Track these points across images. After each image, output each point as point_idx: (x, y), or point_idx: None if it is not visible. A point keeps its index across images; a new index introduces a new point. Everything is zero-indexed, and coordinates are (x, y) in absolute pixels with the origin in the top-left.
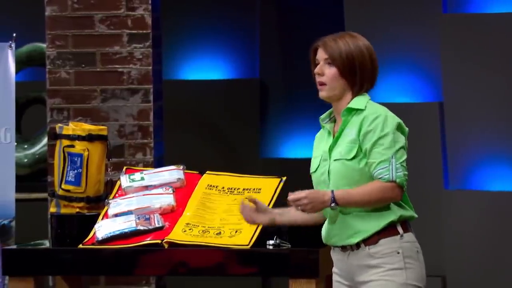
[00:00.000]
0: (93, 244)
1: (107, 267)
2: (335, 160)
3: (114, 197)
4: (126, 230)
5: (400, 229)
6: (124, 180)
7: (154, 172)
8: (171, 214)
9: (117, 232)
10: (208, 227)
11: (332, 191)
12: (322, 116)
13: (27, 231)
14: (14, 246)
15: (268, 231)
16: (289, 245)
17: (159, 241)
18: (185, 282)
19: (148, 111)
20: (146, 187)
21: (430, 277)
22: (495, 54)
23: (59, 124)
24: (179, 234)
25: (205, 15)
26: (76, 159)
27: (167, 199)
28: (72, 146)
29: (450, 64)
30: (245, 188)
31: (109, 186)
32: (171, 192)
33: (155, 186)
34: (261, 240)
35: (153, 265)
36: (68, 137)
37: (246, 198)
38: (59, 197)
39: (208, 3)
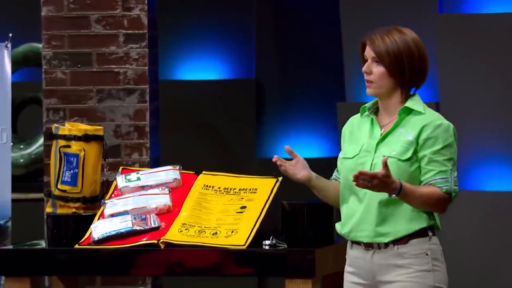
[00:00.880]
0: (89, 244)
1: (103, 267)
2: (384, 156)
3: (110, 197)
4: (122, 230)
5: (429, 232)
6: (120, 180)
7: (150, 172)
8: (167, 214)
9: (113, 232)
10: (204, 227)
11: (401, 182)
12: (368, 105)
13: (23, 231)
14: (10, 246)
15: (264, 231)
16: (285, 245)
17: (155, 241)
18: (181, 282)
19: (144, 111)
20: (142, 187)
21: None
22: (491, 54)
23: (55, 124)
24: (175, 234)
25: (201, 15)
26: (72, 159)
27: (163, 199)
28: (68, 146)
29: (446, 64)
30: (241, 188)
31: (105, 186)
32: (167, 192)
33: (151, 186)
34: (257, 240)
35: (149, 265)
36: (64, 137)
37: (286, 147)
38: (55, 197)
39: (204, 3)
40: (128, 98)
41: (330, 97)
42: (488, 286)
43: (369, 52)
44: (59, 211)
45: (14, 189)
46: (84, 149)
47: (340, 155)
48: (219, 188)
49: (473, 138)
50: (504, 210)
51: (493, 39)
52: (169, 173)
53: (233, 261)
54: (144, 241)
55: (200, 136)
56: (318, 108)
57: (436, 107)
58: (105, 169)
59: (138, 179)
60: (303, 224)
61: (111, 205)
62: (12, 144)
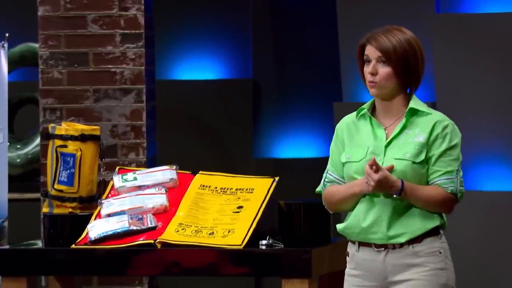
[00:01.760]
0: (86, 244)
1: (100, 267)
2: (397, 159)
3: (107, 197)
4: (119, 230)
5: (440, 230)
6: (117, 180)
7: (147, 172)
8: (164, 214)
9: (110, 232)
10: (201, 227)
11: (403, 182)
12: (366, 106)
13: (20, 231)
14: (7, 246)
15: (261, 231)
16: (282, 245)
17: (152, 241)
18: (178, 282)
19: (141, 111)
20: (139, 187)
21: None
22: (488, 54)
23: (52, 124)
24: (172, 234)
25: (198, 15)
26: (68, 159)
27: (160, 199)
28: (65, 146)
29: (442, 64)
30: (238, 188)
31: (102, 186)
32: (164, 192)
33: (148, 186)
34: (254, 240)
35: (146, 265)
36: (60, 137)
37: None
38: (51, 197)
39: (201, 3)
40: (124, 98)
41: (327, 97)
42: (487, 286)
43: (373, 52)
44: (56, 211)
45: (10, 189)
46: (80, 149)
47: (342, 158)
48: (216, 188)
49: (469, 138)
50: (500, 210)
51: (490, 39)
52: (165, 173)
53: (229, 261)
54: (140, 241)
55: (197, 136)
56: (315, 108)
57: (433, 107)
58: (101, 169)
59: (135, 179)
60: (299, 224)
61: (108, 205)
62: (8, 144)
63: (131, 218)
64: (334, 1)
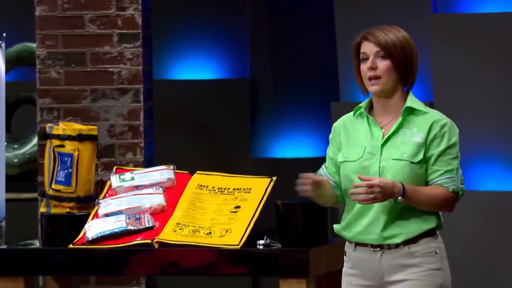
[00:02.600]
0: (83, 244)
1: (97, 267)
2: (394, 159)
3: (104, 197)
4: (116, 230)
5: (436, 230)
6: (114, 180)
7: (144, 172)
8: (162, 214)
9: (107, 232)
10: (199, 227)
11: (403, 185)
12: (363, 105)
13: (17, 231)
14: (4, 246)
15: (258, 231)
16: (279, 245)
17: (149, 241)
18: (176, 282)
19: (139, 111)
20: (137, 187)
21: None
22: (485, 53)
23: (49, 124)
24: (169, 234)
25: (195, 15)
26: (66, 159)
27: (157, 199)
28: (62, 146)
29: (440, 64)
30: (236, 188)
31: (99, 186)
32: (162, 192)
33: (145, 186)
34: (251, 240)
35: (143, 265)
36: (58, 137)
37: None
38: (49, 197)
39: (198, 3)
40: (122, 98)
41: (324, 97)
42: (487, 286)
43: (371, 48)
44: (53, 210)
45: (8, 189)
46: (78, 149)
47: (339, 158)
48: (213, 187)
49: (466, 138)
50: (498, 210)
51: (487, 39)
52: (163, 173)
53: (227, 261)
54: (138, 241)
55: (195, 136)
56: (312, 108)
57: (430, 107)
58: (99, 169)
59: (132, 178)
60: (297, 224)
61: (105, 205)
62: (6, 143)
63: (129, 218)
64: (331, 1)
